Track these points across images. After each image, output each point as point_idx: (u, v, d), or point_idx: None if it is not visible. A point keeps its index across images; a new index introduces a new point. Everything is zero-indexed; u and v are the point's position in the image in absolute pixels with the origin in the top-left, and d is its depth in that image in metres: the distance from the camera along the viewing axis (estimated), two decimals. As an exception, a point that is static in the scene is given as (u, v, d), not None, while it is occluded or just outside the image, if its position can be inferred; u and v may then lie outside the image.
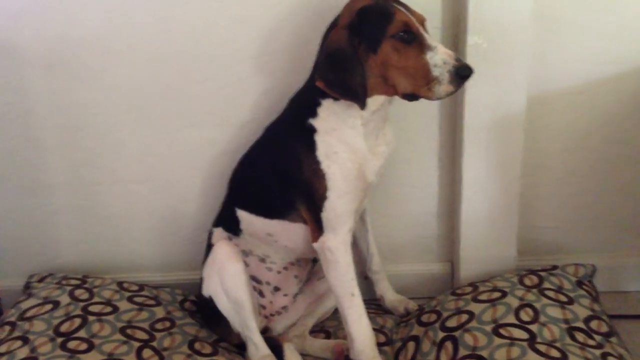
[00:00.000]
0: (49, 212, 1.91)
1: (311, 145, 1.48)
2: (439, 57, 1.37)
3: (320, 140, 1.48)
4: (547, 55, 1.75)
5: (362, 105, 1.43)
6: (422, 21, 1.44)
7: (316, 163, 1.48)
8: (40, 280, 1.80)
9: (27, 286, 1.80)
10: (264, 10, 1.70)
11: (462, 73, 1.37)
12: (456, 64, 1.37)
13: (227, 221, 1.69)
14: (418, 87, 1.40)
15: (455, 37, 1.72)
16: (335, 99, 1.46)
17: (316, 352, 1.68)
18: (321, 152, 1.48)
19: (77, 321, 1.58)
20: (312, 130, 1.49)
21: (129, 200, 1.90)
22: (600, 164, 1.87)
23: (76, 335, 1.53)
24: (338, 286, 1.52)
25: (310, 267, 1.81)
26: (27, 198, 1.89)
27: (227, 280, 1.59)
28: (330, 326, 1.77)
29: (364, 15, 1.41)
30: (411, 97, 1.43)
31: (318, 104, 1.48)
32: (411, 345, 1.60)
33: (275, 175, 1.56)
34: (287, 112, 1.59)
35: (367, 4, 1.42)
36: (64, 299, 1.67)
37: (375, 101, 1.47)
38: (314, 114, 1.49)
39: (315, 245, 1.53)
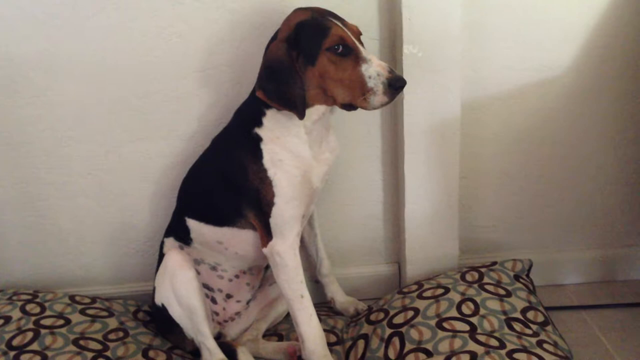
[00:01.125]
0: (-3, 229, 1.90)
1: (257, 154, 1.52)
2: (372, 69, 1.43)
3: (266, 148, 1.53)
4: (478, 62, 1.84)
5: (300, 115, 1.48)
6: (357, 34, 1.50)
7: (263, 171, 1.52)
8: (-10, 297, 1.79)
9: (-23, 303, 1.78)
10: (207, 25, 1.73)
11: (395, 84, 1.42)
12: (389, 75, 1.42)
13: (177, 231, 1.71)
14: (354, 98, 1.46)
15: (392, 47, 1.79)
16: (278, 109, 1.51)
17: (269, 355, 1.71)
18: (267, 160, 1.52)
19: (30, 335, 1.58)
20: (258, 139, 1.53)
21: (78, 214, 1.90)
22: (533, 164, 1.97)
23: (29, 348, 1.53)
24: (288, 289, 1.56)
25: (262, 275, 1.84)
26: (-27, 215, 1.88)
27: (179, 288, 1.61)
28: (283, 329, 1.82)
29: (301, 29, 1.47)
30: (349, 107, 1.49)
31: (263, 114, 1.53)
32: (361, 343, 1.66)
33: (224, 183, 1.59)
34: (234, 122, 1.63)
35: (304, 18, 1.48)
36: (15, 314, 1.66)
37: (316, 111, 1.52)
38: (259, 123, 1.54)
39: (265, 250, 1.57)
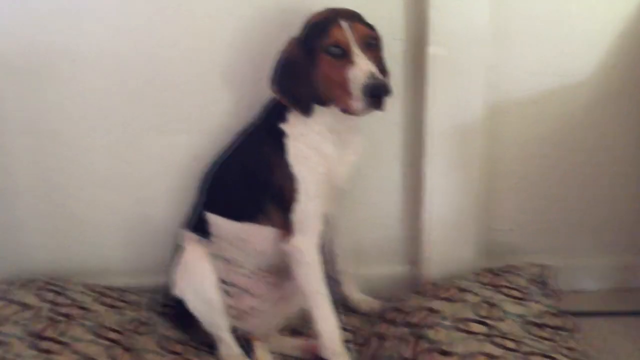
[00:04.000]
0: (16, 217, 1.91)
1: (282, 149, 1.53)
2: (354, 73, 1.40)
3: (291, 144, 1.53)
4: (502, 66, 1.83)
5: (306, 113, 1.48)
6: (363, 36, 1.47)
7: (287, 166, 1.53)
8: (8, 284, 1.80)
9: (-5, 290, 1.80)
10: (233, 19, 1.74)
11: (369, 92, 1.38)
12: (366, 81, 1.38)
13: (197, 224, 1.72)
14: (342, 101, 1.45)
15: (417, 48, 1.79)
16: None
17: (285, 350, 1.72)
18: (292, 156, 1.53)
19: (47, 322, 1.59)
20: (283, 135, 1.54)
21: (98, 205, 1.92)
22: (553, 169, 1.97)
23: (47, 335, 1.54)
24: (306, 285, 1.57)
25: (278, 270, 1.85)
26: (-5, 202, 1.90)
27: (196, 281, 1.62)
28: (298, 325, 1.82)
29: (308, 28, 1.49)
30: (344, 110, 1.47)
31: (288, 109, 1.54)
32: (375, 341, 1.66)
33: (246, 178, 1.60)
34: (259, 117, 1.64)
35: (317, 19, 1.49)
36: (33, 301, 1.68)
37: (334, 110, 1.52)
38: (284, 118, 1.55)
39: (285, 246, 1.58)
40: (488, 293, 1.67)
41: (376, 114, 1.47)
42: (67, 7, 1.72)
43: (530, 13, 1.80)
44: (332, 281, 1.90)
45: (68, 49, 1.76)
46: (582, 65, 1.86)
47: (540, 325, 1.58)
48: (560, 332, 1.58)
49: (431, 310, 1.64)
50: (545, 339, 1.53)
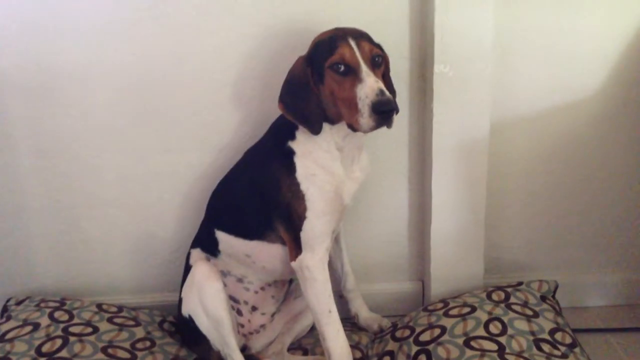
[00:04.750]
0: (26, 235, 1.92)
1: (290, 167, 1.54)
2: (363, 91, 1.41)
3: (300, 162, 1.54)
4: (508, 83, 1.85)
5: (314, 131, 1.49)
6: (369, 54, 1.47)
7: (296, 184, 1.53)
8: (18, 304, 1.81)
9: (5, 309, 1.80)
10: (241, 39, 1.76)
11: (378, 108, 1.37)
12: (375, 98, 1.38)
13: (205, 242, 1.73)
14: (350, 118, 1.45)
15: (423, 66, 1.81)
16: None
17: (295, 369, 1.72)
18: (300, 174, 1.54)
19: (59, 342, 1.59)
20: (292, 153, 1.55)
21: (106, 223, 1.92)
22: (559, 186, 1.97)
23: (58, 355, 1.54)
24: (316, 303, 1.56)
25: (287, 287, 1.85)
26: (4, 222, 1.90)
27: (206, 299, 1.61)
28: (308, 343, 1.81)
29: (315, 47, 1.51)
30: (351, 127, 1.47)
31: (296, 127, 1.55)
32: (387, 359, 1.66)
33: (255, 196, 1.60)
34: (268, 135, 1.65)
35: (323, 37, 1.51)
36: (44, 321, 1.68)
37: (341, 128, 1.53)
38: (292, 136, 1.56)
39: (294, 264, 1.58)
40: (498, 310, 1.67)
41: (383, 131, 1.47)
42: (76, 27, 1.74)
43: (534, 31, 1.82)
44: (340, 298, 1.91)
45: (77, 69, 1.77)
46: (587, 82, 1.88)
47: (552, 343, 1.57)
48: (572, 349, 1.57)
49: (442, 328, 1.64)
50: (558, 356, 1.52)
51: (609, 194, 1.99)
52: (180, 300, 1.70)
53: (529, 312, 1.67)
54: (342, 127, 1.53)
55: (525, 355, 1.50)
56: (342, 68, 1.45)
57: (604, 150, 1.94)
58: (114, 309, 1.82)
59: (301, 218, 1.53)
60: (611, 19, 1.82)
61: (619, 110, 1.90)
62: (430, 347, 1.59)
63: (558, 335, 1.61)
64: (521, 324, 1.62)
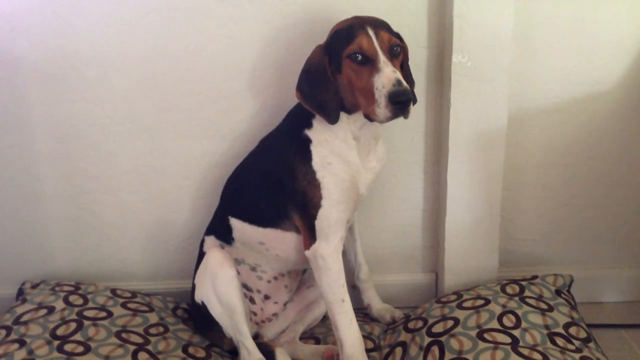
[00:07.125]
0: (42, 220, 1.93)
1: (307, 155, 1.53)
2: (380, 81, 1.40)
3: (316, 150, 1.54)
4: (526, 74, 1.84)
5: (331, 120, 1.49)
6: (389, 43, 1.46)
7: (311, 172, 1.53)
8: (34, 287, 1.82)
9: (21, 292, 1.82)
10: (258, 26, 1.75)
11: (395, 99, 1.36)
12: (392, 89, 1.37)
13: (219, 229, 1.73)
14: (366, 108, 1.44)
15: (441, 55, 1.80)
16: None
17: (307, 357, 1.71)
18: (316, 162, 1.53)
19: (73, 325, 1.60)
20: (308, 141, 1.54)
21: (121, 209, 1.93)
22: (576, 179, 1.96)
23: (72, 338, 1.55)
24: (329, 292, 1.56)
25: (300, 277, 1.85)
26: (21, 206, 1.91)
27: (219, 286, 1.62)
28: (320, 332, 1.82)
29: (333, 36, 1.50)
30: (368, 117, 1.46)
31: (313, 116, 1.54)
32: (399, 350, 1.65)
33: (270, 183, 1.60)
34: (284, 123, 1.64)
35: (342, 26, 1.50)
36: (59, 304, 1.70)
37: (358, 117, 1.52)
38: (309, 125, 1.55)
39: (308, 252, 1.57)
40: (512, 303, 1.66)
41: (399, 121, 1.46)
42: (94, 13, 1.74)
43: (554, 21, 1.80)
44: (353, 288, 1.90)
45: (95, 55, 1.78)
46: (607, 74, 1.85)
47: (566, 337, 1.55)
48: (587, 344, 1.56)
49: (455, 320, 1.63)
50: (572, 351, 1.50)
51: (626, 188, 1.96)
52: (193, 286, 1.71)
53: (544, 306, 1.66)
54: (359, 116, 1.52)
55: (539, 348, 1.49)
56: (360, 57, 1.44)
57: (622, 144, 1.92)
58: (128, 294, 1.83)
59: (316, 206, 1.53)
60: (633, 9, 1.79)
61: (638, 102, 1.87)
62: (443, 338, 1.58)
63: (572, 330, 1.59)
64: (535, 318, 1.61)
